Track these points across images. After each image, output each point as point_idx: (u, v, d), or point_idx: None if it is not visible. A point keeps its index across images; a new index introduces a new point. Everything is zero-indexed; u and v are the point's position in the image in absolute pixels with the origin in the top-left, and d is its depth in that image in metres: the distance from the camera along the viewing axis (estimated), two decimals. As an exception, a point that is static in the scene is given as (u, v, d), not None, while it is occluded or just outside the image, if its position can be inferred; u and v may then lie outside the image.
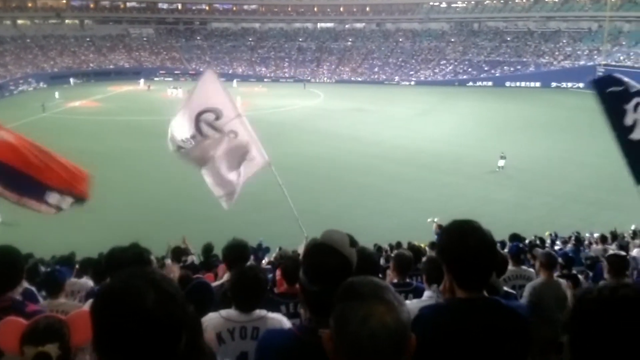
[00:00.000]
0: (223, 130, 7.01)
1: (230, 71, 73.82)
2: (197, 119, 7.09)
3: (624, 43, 60.70)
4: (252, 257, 8.03)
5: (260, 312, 2.84)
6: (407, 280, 4.71)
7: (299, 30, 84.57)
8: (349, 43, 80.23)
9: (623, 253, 5.09)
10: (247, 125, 7.28)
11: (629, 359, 1.10)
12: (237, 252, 4.19)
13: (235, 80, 65.43)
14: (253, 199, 21.58)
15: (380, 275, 3.84)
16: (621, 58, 58.13)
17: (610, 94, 6.89)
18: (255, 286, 2.86)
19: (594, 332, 1.15)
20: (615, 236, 12.17)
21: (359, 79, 70.80)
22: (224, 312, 2.86)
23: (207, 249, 9.57)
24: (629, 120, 6.52)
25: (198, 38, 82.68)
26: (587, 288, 1.33)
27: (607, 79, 7.09)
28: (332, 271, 1.73)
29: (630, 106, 6.63)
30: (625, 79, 6.73)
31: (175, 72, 72.82)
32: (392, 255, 5.07)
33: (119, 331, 1.18)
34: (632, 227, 13.91)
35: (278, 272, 4.99)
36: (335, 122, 38.82)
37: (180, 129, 7.16)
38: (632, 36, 61.03)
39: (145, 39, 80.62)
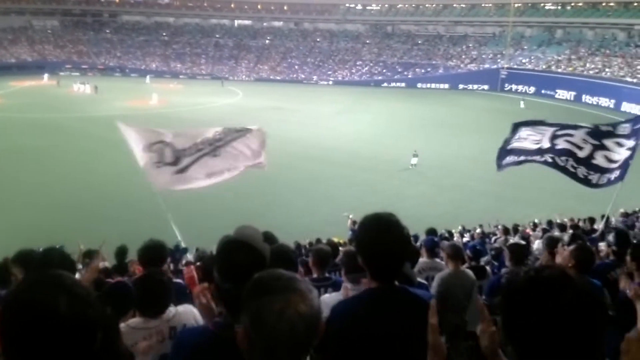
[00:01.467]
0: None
1: (143, 66, 70.88)
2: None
3: (525, 47, 65.41)
4: (169, 259, 7.83)
5: (170, 311, 2.80)
6: (327, 275, 4.82)
7: (216, 26, 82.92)
8: (268, 41, 79.90)
9: (523, 242, 5.53)
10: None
11: (555, 332, 1.19)
12: (154, 254, 4.08)
13: (148, 76, 62.94)
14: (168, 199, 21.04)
15: (299, 271, 3.91)
16: (523, 61, 62.59)
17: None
18: (161, 292, 2.80)
19: (524, 310, 1.24)
20: (516, 229, 13.11)
21: (278, 78, 70.75)
22: (131, 323, 2.77)
23: (121, 252, 9.14)
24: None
25: (107, 31, 78.36)
26: (513, 271, 1.47)
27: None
28: (246, 267, 1.72)
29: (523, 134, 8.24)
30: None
31: (83, 66, 68.72)
32: (311, 251, 5.16)
33: (32, 339, 1.16)
34: (535, 220, 15.06)
35: (186, 270, 4.92)
36: (253, 120, 38.10)
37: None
38: (533, 40, 65.95)
39: (49, 31, 75.23)
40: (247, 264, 1.77)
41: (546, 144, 8.14)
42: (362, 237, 2.07)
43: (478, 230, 13.71)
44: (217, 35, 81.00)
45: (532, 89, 56.83)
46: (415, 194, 22.70)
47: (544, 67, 59.44)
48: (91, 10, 79.66)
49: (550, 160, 8.17)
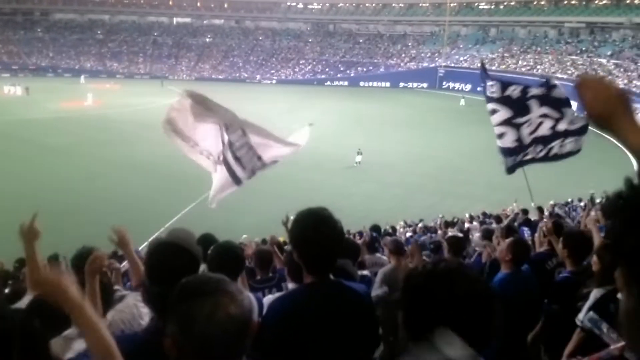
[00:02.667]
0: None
1: (77, 66, 67.95)
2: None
3: (461, 46, 67.69)
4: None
5: (108, 315, 2.70)
6: (270, 274, 4.81)
7: (154, 24, 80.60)
8: (208, 40, 78.52)
9: (460, 234, 5.72)
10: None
11: (453, 322, 1.24)
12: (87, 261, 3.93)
13: (83, 76, 60.37)
14: (108, 202, 20.30)
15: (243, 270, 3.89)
16: (460, 60, 64.73)
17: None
18: (104, 295, 2.71)
19: (423, 302, 1.29)
20: (455, 222, 13.58)
21: (220, 77, 69.69)
22: (66, 333, 2.64)
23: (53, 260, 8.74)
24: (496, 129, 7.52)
25: (39, 30, 74.45)
26: (413, 267, 1.51)
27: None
28: (178, 270, 1.68)
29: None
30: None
31: (13, 67, 65.12)
32: (253, 252, 5.14)
33: None
34: (470, 213, 15.63)
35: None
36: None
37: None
38: (469, 39, 68.35)
39: (-23, 30, 70.67)
40: (179, 267, 1.74)
41: (526, 138, 7.73)
42: (296, 233, 2.08)
43: (420, 225, 14.09)
44: (155, 34, 78.73)
45: (469, 87, 58.86)
46: (360, 191, 23.04)
47: (479, 65, 61.48)
48: (22, 9, 75.28)
49: (544, 152, 7.55)
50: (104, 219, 17.78)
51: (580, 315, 3.27)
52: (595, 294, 3.21)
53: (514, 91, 7.26)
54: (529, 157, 7.49)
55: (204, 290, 1.32)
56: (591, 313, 3.11)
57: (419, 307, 1.30)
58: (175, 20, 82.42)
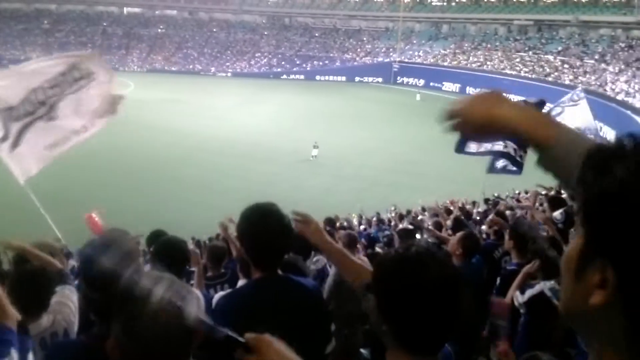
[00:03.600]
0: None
1: (23, 57, 64.26)
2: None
3: (415, 42, 68.77)
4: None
5: (47, 319, 2.60)
6: (222, 270, 4.76)
7: (103, 13, 77.78)
8: (161, 30, 76.49)
9: (410, 227, 5.83)
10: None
11: (424, 306, 1.24)
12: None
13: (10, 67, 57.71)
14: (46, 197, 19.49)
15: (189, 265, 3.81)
16: (414, 55, 65.76)
17: None
18: (37, 288, 2.58)
19: (394, 287, 1.28)
20: (409, 213, 13.83)
21: (174, 69, 68.14)
22: None
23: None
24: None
25: (-19, 19, 70.61)
26: (384, 251, 1.52)
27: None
28: (113, 275, 1.63)
29: None
30: None
31: (-47, 57, 61.40)
32: (205, 247, 5.07)
33: None
34: (420, 202, 15.94)
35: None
36: (148, 113, 36.77)
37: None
38: (422, 35, 69.50)
39: None
40: (114, 272, 1.68)
41: None
42: (243, 228, 2.07)
43: (375, 218, 14.27)
44: (105, 24, 76.01)
45: (422, 82, 59.95)
46: (315, 185, 23.11)
47: (432, 60, 62.94)
48: (-40, -3, 71.19)
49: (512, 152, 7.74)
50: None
51: (519, 298, 3.41)
52: (542, 286, 3.34)
53: None
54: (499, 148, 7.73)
55: (148, 289, 1.28)
56: (552, 283, 3.23)
57: (392, 292, 1.30)
58: (125, 10, 79.78)
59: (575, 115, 9.12)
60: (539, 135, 0.99)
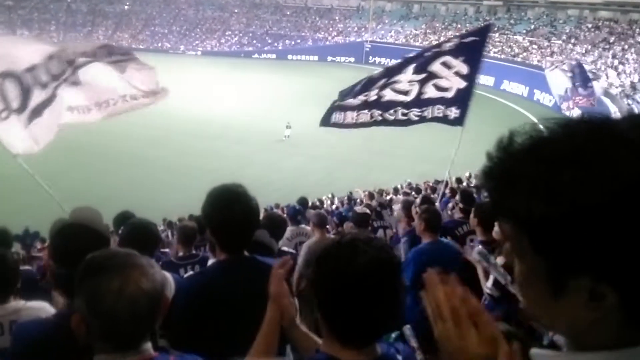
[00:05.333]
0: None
1: (-20, 33, 62.12)
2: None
3: (386, 21, 68.46)
4: (19, 246, 7.13)
5: (18, 303, 2.57)
6: (194, 251, 4.75)
7: (67, -11, 75.03)
8: (127, 7, 74.19)
9: (366, 210, 5.90)
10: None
11: (356, 294, 1.23)
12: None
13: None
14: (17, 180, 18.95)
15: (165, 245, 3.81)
16: (386, 35, 65.53)
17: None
18: (2, 272, 2.53)
19: (327, 275, 1.27)
20: (381, 193, 13.96)
21: (141, 47, 66.26)
22: None
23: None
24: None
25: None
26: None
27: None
28: (85, 250, 1.59)
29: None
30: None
31: None
32: (175, 228, 5.04)
33: None
34: (399, 185, 16.11)
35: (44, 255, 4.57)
36: (115, 93, 35.93)
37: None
38: (393, 15, 69.20)
39: None
40: (86, 247, 1.67)
41: (372, 97, 7.64)
42: (208, 209, 2.03)
43: (346, 197, 14.38)
44: (69, 0, 73.35)
45: (394, 62, 59.69)
46: (289, 165, 23.09)
47: (403, 40, 62.90)
48: None
49: (379, 118, 7.46)
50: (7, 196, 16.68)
51: (488, 283, 3.49)
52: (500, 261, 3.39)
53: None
54: (365, 119, 7.51)
55: (111, 265, 1.29)
56: (480, 247, 3.27)
57: (322, 277, 1.29)
58: (90, -15, 77.12)
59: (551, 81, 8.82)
60: None
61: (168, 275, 2.33)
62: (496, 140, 0.72)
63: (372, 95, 7.15)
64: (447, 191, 10.36)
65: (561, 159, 0.64)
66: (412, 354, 1.46)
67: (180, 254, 4.58)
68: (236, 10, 75.29)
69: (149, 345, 1.37)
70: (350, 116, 7.39)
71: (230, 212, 1.97)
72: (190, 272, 3.83)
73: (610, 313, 0.65)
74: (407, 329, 1.58)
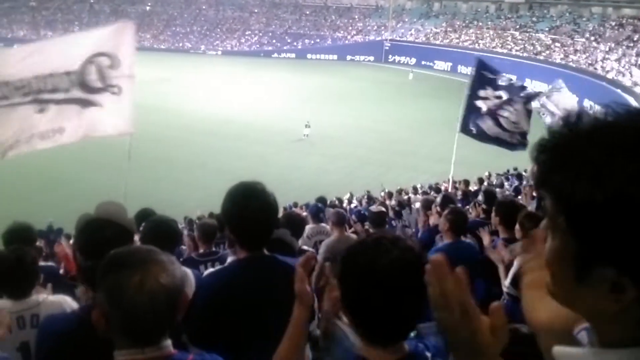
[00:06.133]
0: (111, 81, 6.30)
1: (10, 35, 63.69)
2: (87, 61, 6.06)
3: (406, 20, 68.03)
4: (43, 242, 7.28)
5: (39, 296, 2.63)
6: (214, 249, 4.78)
7: (89, -10, 76.34)
8: (149, 8, 75.21)
9: (382, 209, 5.88)
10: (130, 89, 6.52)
11: (381, 291, 1.24)
12: (20, 236, 3.79)
13: (16, 45, 56.61)
14: (40, 178, 19.37)
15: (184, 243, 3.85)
16: (406, 33, 65.11)
17: (482, 75, 8.38)
18: (20, 270, 2.60)
19: (353, 273, 1.28)
20: (398, 192, 13.90)
21: (162, 47, 67.13)
22: None
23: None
24: (479, 103, 8.09)
25: (-33, -2, 69.03)
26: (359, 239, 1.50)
27: (486, 65, 8.72)
28: (110, 244, 1.61)
29: (486, 93, 8.26)
30: (499, 72, 8.40)
31: None
32: (196, 225, 5.09)
33: None
34: (418, 184, 16.01)
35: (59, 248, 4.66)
36: (138, 92, 36.30)
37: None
38: (414, 13, 68.75)
39: None
40: (111, 241, 1.68)
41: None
42: (228, 207, 2.02)
43: (365, 197, 14.34)
44: (92, 1, 74.67)
45: (413, 60, 59.49)
46: (307, 164, 23.12)
47: (423, 39, 62.45)
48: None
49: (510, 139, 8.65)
50: (32, 192, 17.04)
51: (506, 282, 3.44)
52: (519, 261, 3.32)
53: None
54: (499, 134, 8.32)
55: (133, 260, 1.30)
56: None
57: (350, 275, 1.30)
58: (112, -14, 78.30)
59: (559, 101, 9.48)
60: None
61: (188, 272, 2.35)
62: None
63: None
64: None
65: (618, 146, 0.64)
66: (442, 349, 1.44)
67: (201, 250, 4.62)
68: (256, 10, 75.65)
69: (169, 342, 1.37)
70: (486, 130, 8.08)
71: (248, 208, 1.96)
72: (211, 269, 3.86)
73: (632, 309, 0.65)
74: (425, 327, 1.57)
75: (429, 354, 1.39)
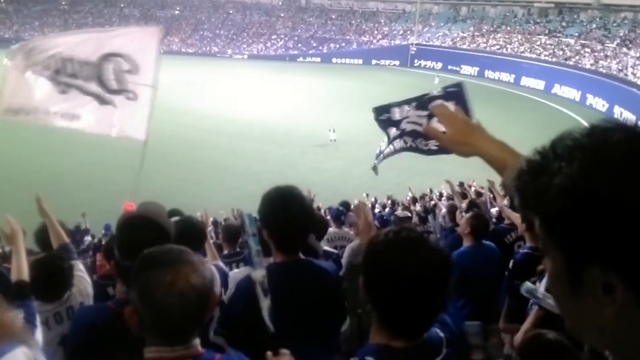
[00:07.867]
0: (127, 85, 6.18)
1: (40, 37, 65.38)
2: (104, 57, 6.03)
3: (433, 24, 67.57)
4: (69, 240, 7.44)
5: (70, 291, 2.71)
6: (238, 249, 4.83)
7: (120, -5, 78.00)
8: (177, 12, 76.44)
9: (407, 214, 5.86)
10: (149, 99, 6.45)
11: (410, 289, 1.28)
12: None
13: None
14: (72, 178, 19.83)
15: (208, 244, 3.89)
16: (432, 38, 64.67)
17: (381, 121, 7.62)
18: (59, 277, 2.68)
19: (382, 269, 1.32)
20: (422, 197, 13.79)
21: (190, 51, 68.13)
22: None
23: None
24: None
25: (2, 1, 71.22)
26: (375, 235, 1.53)
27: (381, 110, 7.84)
28: (149, 243, 1.68)
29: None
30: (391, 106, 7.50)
31: (-28, 38, 62.11)
32: (221, 226, 5.15)
33: None
34: (443, 190, 15.84)
35: (99, 256, 4.75)
36: (166, 94, 36.93)
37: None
38: (441, 18, 68.24)
39: None
40: (150, 240, 1.74)
41: (403, 126, 7.81)
42: (265, 211, 2.06)
43: (389, 201, 14.28)
44: (122, 5, 76.30)
45: (440, 65, 59.04)
46: (331, 168, 23.14)
47: (450, 43, 61.90)
48: (-18, -21, 71.93)
49: (414, 145, 7.82)
50: (66, 191, 17.43)
51: (541, 288, 3.38)
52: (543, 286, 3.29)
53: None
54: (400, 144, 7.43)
55: (165, 260, 1.34)
56: (527, 283, 3.21)
57: (378, 273, 1.33)
58: (142, -9, 79.83)
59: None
60: (506, 163, 1.25)
61: (215, 271, 2.39)
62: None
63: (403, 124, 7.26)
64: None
65: (571, 154, 0.66)
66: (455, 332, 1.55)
67: (226, 251, 4.68)
68: (282, 15, 76.18)
69: (197, 341, 1.41)
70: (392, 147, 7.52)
71: (288, 213, 1.99)
72: (236, 270, 3.90)
73: (627, 309, 0.64)
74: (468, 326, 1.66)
75: (442, 335, 1.46)
